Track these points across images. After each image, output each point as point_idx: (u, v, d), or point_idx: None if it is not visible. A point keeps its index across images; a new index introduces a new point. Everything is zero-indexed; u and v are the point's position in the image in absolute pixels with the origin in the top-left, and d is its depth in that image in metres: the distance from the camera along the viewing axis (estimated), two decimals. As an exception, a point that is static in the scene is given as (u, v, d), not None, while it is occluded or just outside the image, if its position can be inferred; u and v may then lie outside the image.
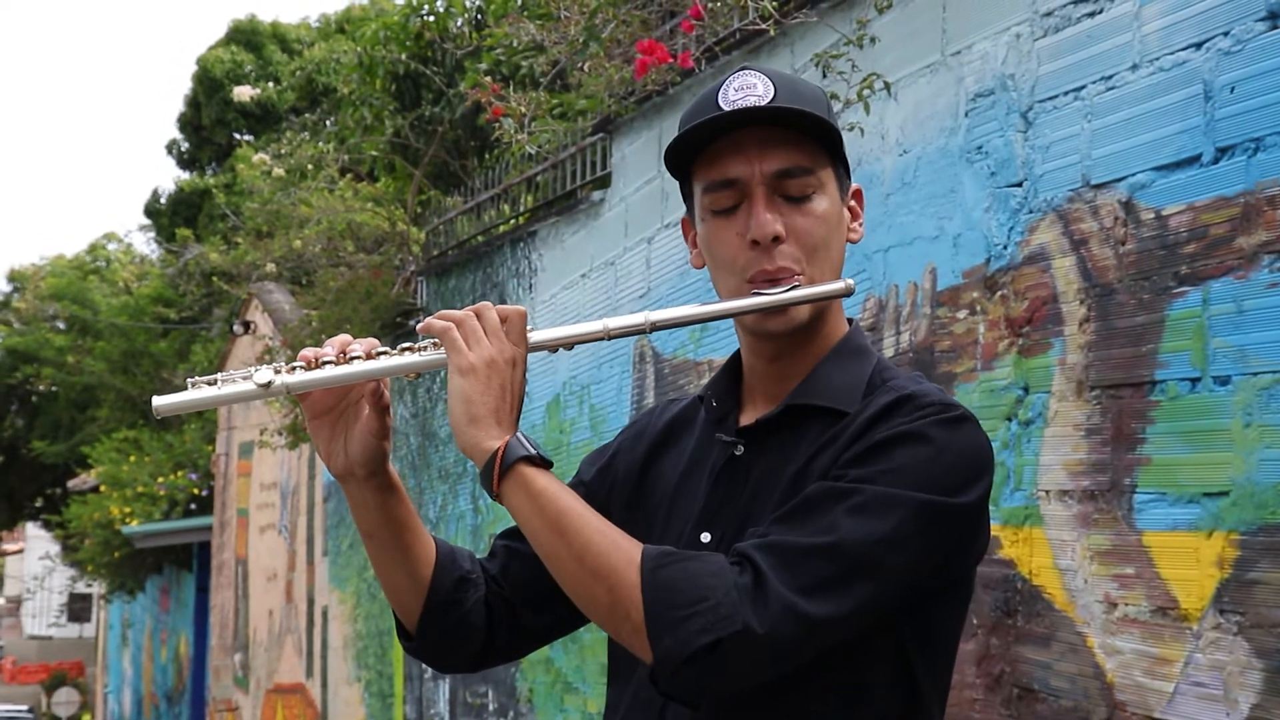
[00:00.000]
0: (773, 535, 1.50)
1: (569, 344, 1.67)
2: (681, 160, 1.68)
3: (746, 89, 1.62)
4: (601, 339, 1.66)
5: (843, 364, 1.68)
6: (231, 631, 14.09)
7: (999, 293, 3.21)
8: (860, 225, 1.73)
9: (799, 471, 1.60)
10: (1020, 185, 3.17)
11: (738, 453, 1.68)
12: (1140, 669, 2.74)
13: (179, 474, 17.02)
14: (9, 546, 46.82)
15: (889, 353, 3.62)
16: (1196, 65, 2.69)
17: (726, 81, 1.64)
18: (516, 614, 1.79)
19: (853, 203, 1.72)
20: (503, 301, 6.74)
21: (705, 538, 1.63)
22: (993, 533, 3.17)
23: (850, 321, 1.74)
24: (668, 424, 1.83)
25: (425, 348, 1.64)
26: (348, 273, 8.51)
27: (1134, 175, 2.83)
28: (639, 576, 1.48)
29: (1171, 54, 2.75)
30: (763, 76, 1.63)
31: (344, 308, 8.28)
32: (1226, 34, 2.62)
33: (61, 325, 25.16)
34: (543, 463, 1.57)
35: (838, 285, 1.65)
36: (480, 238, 7.27)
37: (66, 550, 22.56)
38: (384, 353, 1.64)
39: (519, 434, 1.58)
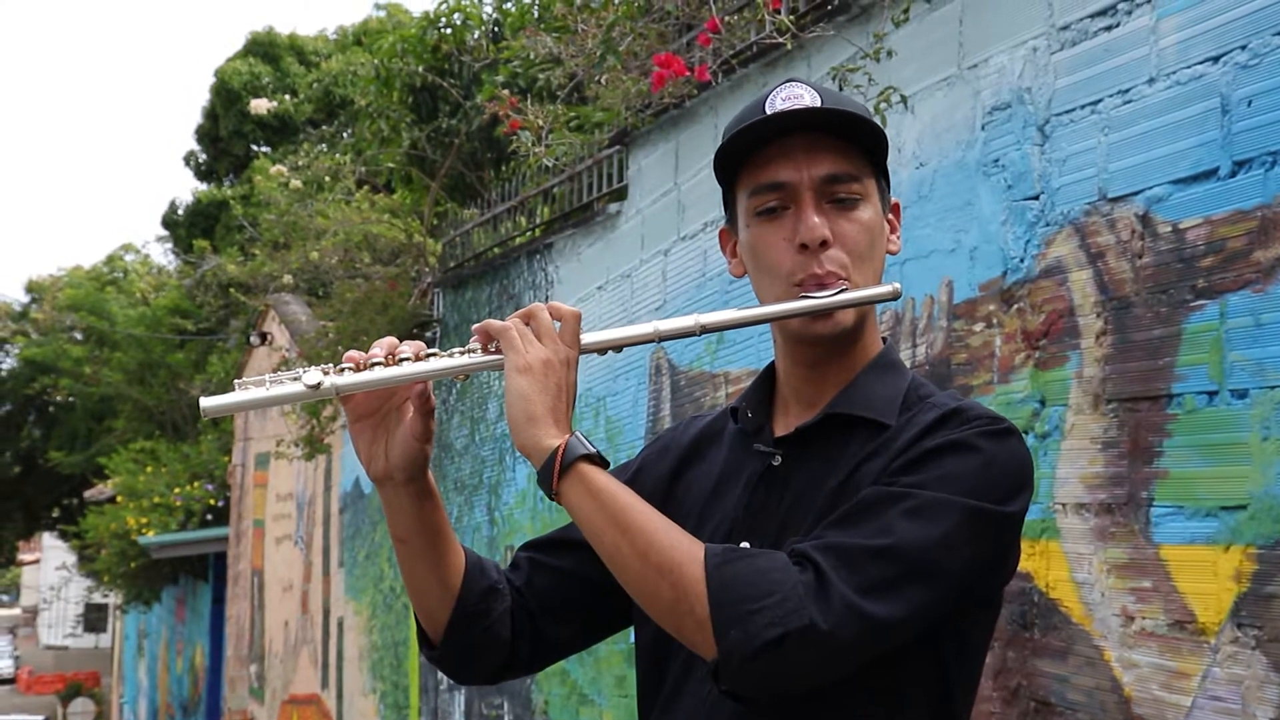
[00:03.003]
0: (830, 537, 1.51)
1: (619, 346, 1.69)
2: (727, 168, 1.70)
3: (793, 99, 1.65)
4: (653, 340, 1.68)
5: (881, 377, 1.70)
6: (247, 642, 14.11)
7: (1015, 306, 3.21)
8: (898, 238, 1.75)
9: (842, 483, 1.61)
10: (1037, 198, 3.17)
11: (775, 463, 1.69)
12: (1157, 683, 2.74)
13: (195, 485, 17.06)
14: (26, 557, 46.95)
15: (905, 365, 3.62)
16: (1214, 79, 2.69)
17: (773, 92, 1.67)
18: (539, 626, 1.79)
19: (891, 216, 1.74)
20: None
21: (744, 546, 1.62)
22: (1009, 546, 3.18)
23: (884, 339, 1.76)
24: (695, 438, 1.84)
25: (474, 350, 1.65)
26: (364, 284, 8.54)
27: (1151, 189, 2.83)
28: (704, 571, 1.49)
29: (1189, 68, 2.75)
30: (809, 88, 1.66)
31: (360, 319, 8.30)
32: (1244, 48, 2.62)
33: (79, 336, 25.26)
34: (601, 461, 1.58)
35: (884, 289, 1.67)
36: (497, 250, 7.29)
37: (83, 561, 22.62)
38: (432, 354, 1.65)
39: (577, 433, 1.59)
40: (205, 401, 1.62)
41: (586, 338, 1.65)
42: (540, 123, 6.13)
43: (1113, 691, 2.85)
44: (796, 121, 1.63)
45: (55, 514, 29.49)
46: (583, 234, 6.04)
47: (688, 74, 4.61)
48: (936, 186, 3.55)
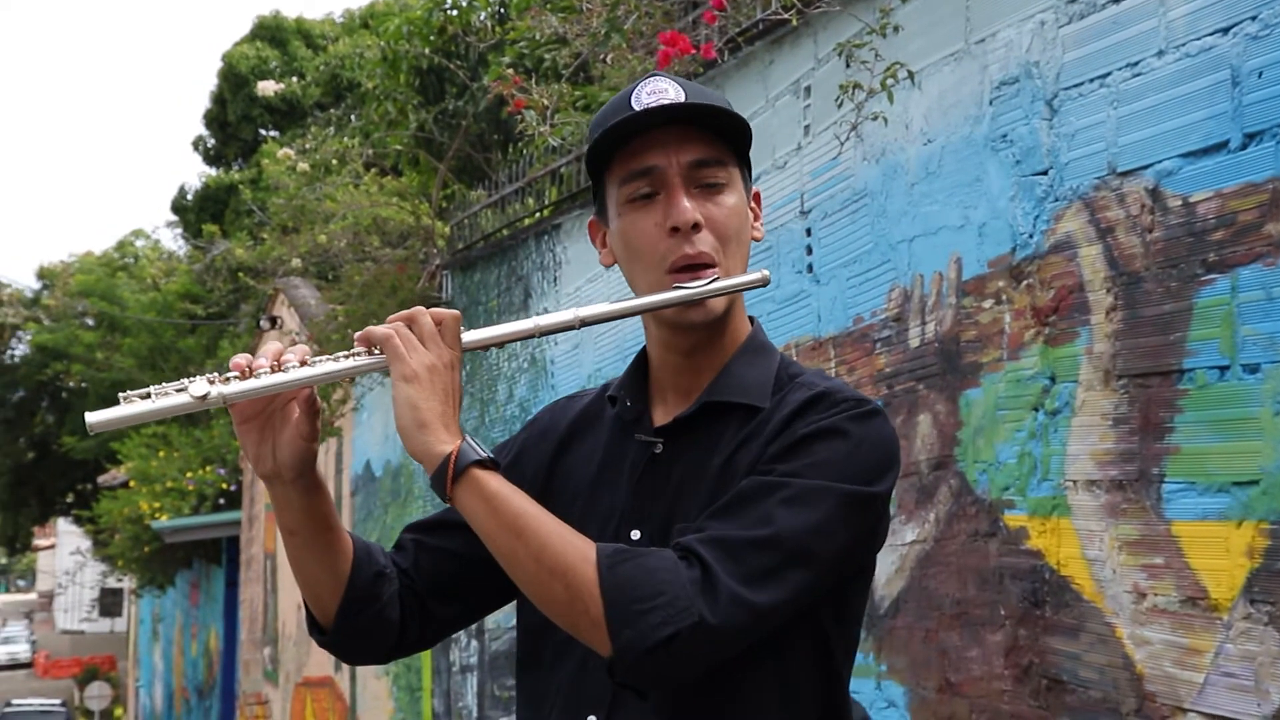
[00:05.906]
0: (712, 530, 1.58)
1: (500, 343, 1.74)
2: (597, 162, 1.76)
3: (659, 93, 1.72)
4: (533, 335, 1.73)
5: (752, 361, 1.77)
6: (261, 625, 14.16)
7: (1025, 282, 3.19)
8: (761, 225, 1.83)
9: (722, 466, 1.69)
10: (1046, 173, 3.14)
11: (657, 451, 1.75)
12: (1170, 659, 2.73)
13: (208, 469, 17.12)
14: (41, 542, 47.17)
15: (914, 343, 3.60)
16: (1223, 50, 2.66)
17: (638, 87, 1.73)
18: (427, 606, 1.85)
19: (753, 204, 1.82)
20: (528, 295, 6.75)
21: (635, 535, 1.71)
22: (1021, 523, 3.16)
23: (752, 320, 1.83)
24: (573, 421, 1.90)
25: (359, 353, 1.68)
26: (373, 267, 8.52)
27: (1161, 162, 2.80)
28: (596, 573, 1.55)
29: (1198, 39, 2.73)
30: (672, 82, 1.74)
31: (369, 302, 8.29)
32: (1254, 19, 2.60)
33: (90, 322, 25.35)
34: (493, 465, 1.62)
35: (754, 276, 1.74)
36: (505, 231, 7.27)
37: (97, 545, 22.73)
38: (318, 359, 1.68)
39: (468, 438, 1.63)
40: (91, 417, 1.64)
41: (467, 336, 1.69)
42: (546, 103, 6.10)
43: (1125, 669, 2.84)
44: (664, 117, 1.69)
45: (69, 499, 29.63)
46: (590, 214, 6.01)
47: (694, 52, 4.58)
48: (944, 162, 3.52)
